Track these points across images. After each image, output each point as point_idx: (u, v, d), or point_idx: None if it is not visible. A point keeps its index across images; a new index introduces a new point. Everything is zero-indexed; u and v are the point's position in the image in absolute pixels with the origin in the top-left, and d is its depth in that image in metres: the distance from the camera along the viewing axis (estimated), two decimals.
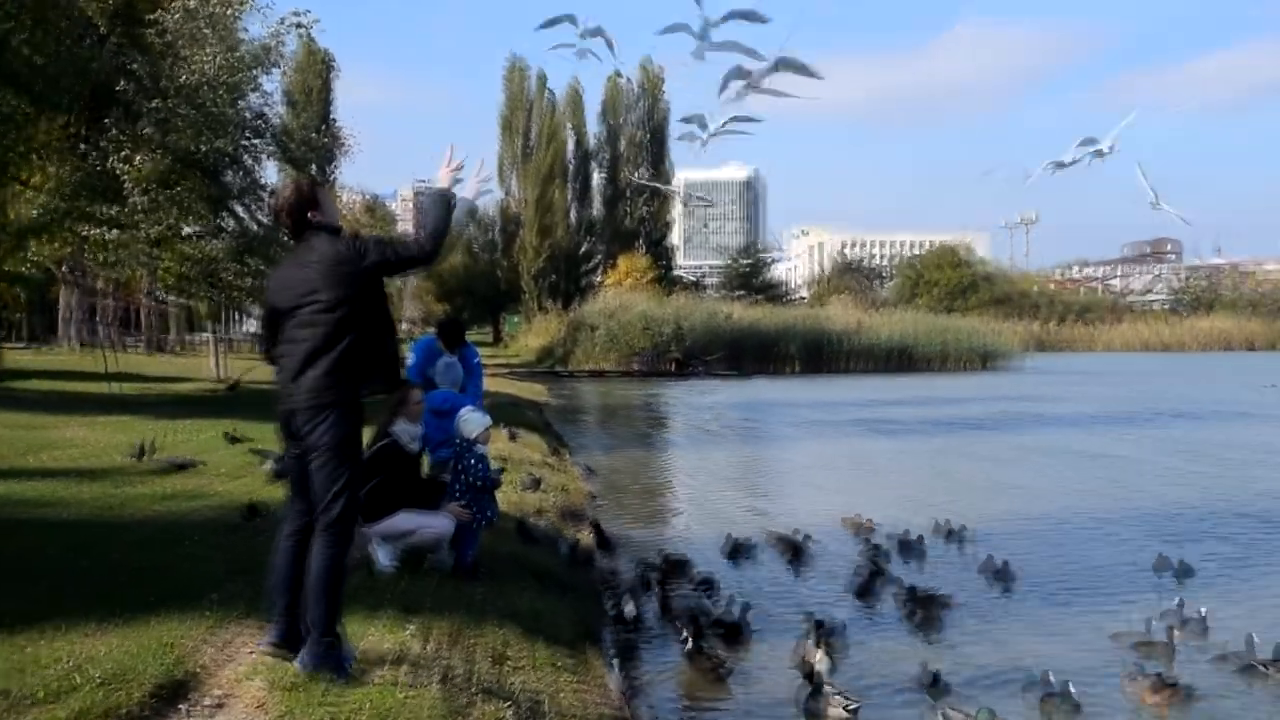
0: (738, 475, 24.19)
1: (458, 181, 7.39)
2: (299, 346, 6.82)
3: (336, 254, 6.81)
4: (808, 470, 25.02)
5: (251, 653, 7.38)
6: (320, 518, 6.81)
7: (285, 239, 7.83)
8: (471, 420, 10.51)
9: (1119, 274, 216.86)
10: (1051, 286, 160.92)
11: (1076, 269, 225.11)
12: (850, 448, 28.88)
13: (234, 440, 19.22)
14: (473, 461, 10.37)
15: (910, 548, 14.74)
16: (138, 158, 28.29)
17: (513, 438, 22.81)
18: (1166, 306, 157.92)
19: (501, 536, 12.74)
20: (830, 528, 16.42)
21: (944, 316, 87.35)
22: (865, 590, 12.40)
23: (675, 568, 13.20)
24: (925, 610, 11.43)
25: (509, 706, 7.14)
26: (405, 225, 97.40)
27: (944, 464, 25.77)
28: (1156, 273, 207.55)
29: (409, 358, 12.14)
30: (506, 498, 15.22)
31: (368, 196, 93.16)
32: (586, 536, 15.08)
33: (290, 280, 6.93)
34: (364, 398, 6.91)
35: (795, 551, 14.49)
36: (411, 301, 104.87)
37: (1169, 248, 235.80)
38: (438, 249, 6.99)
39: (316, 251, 6.88)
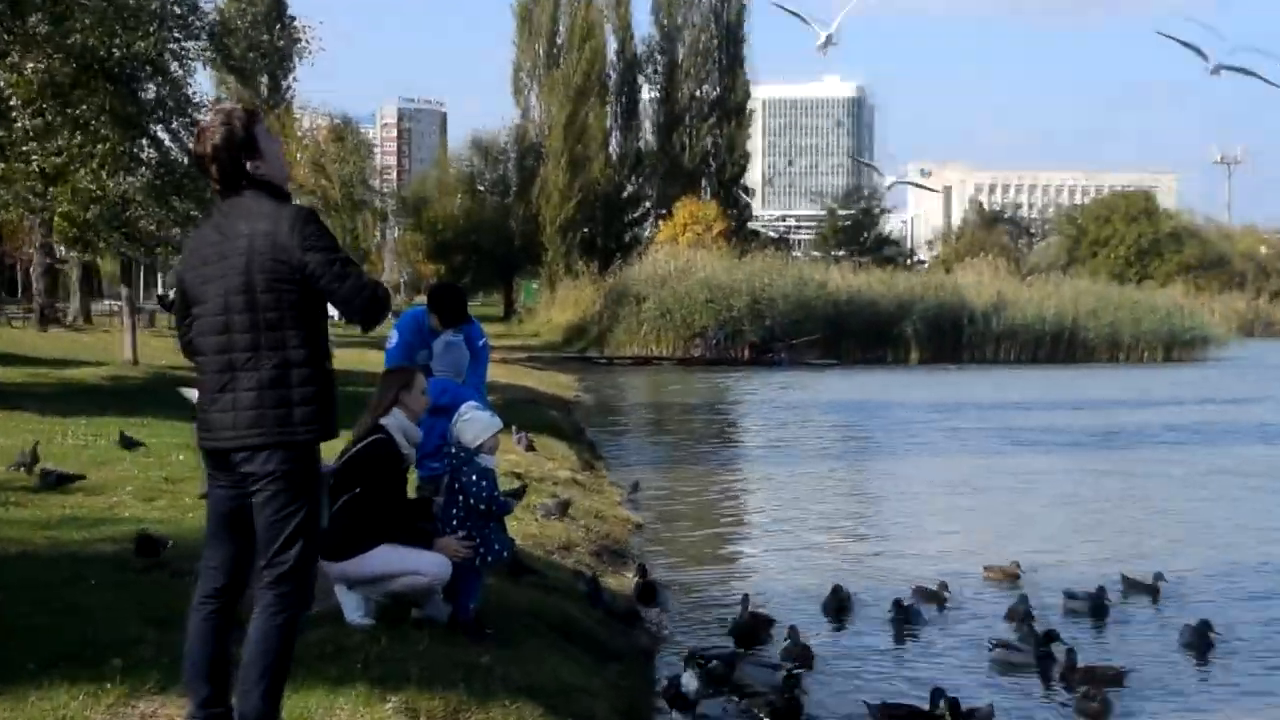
0: (836, 503, 24.13)
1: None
2: (219, 353, 6.72)
3: (274, 236, 6.65)
4: (932, 497, 24.90)
5: None
6: (265, 572, 6.72)
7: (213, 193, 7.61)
8: (476, 421, 10.33)
9: None
10: (1264, 249, 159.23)
11: None
12: (991, 467, 28.72)
13: (131, 445, 19.10)
14: (474, 478, 10.21)
15: (1094, 607, 14.58)
16: (28, 64, 28.20)
17: (530, 447, 22.75)
18: None
19: (516, 581, 12.71)
20: (963, 574, 16.30)
21: (1117, 288, 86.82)
22: (1015, 664, 12.34)
23: (755, 628, 13.12)
24: (1095, 691, 11.31)
25: None
26: (389, 159, 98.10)
27: (1117, 491, 25.61)
28: None
29: (391, 337, 12.02)
30: (523, 528, 15.20)
31: (335, 118, 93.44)
32: (626, 579, 15.04)
33: (206, 253, 6.83)
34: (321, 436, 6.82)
35: (939, 603, 14.57)
36: (393, 260, 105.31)
37: None
38: (366, 320, 6.85)
39: (249, 222, 6.73)
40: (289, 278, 6.60)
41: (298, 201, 7.45)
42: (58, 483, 15.30)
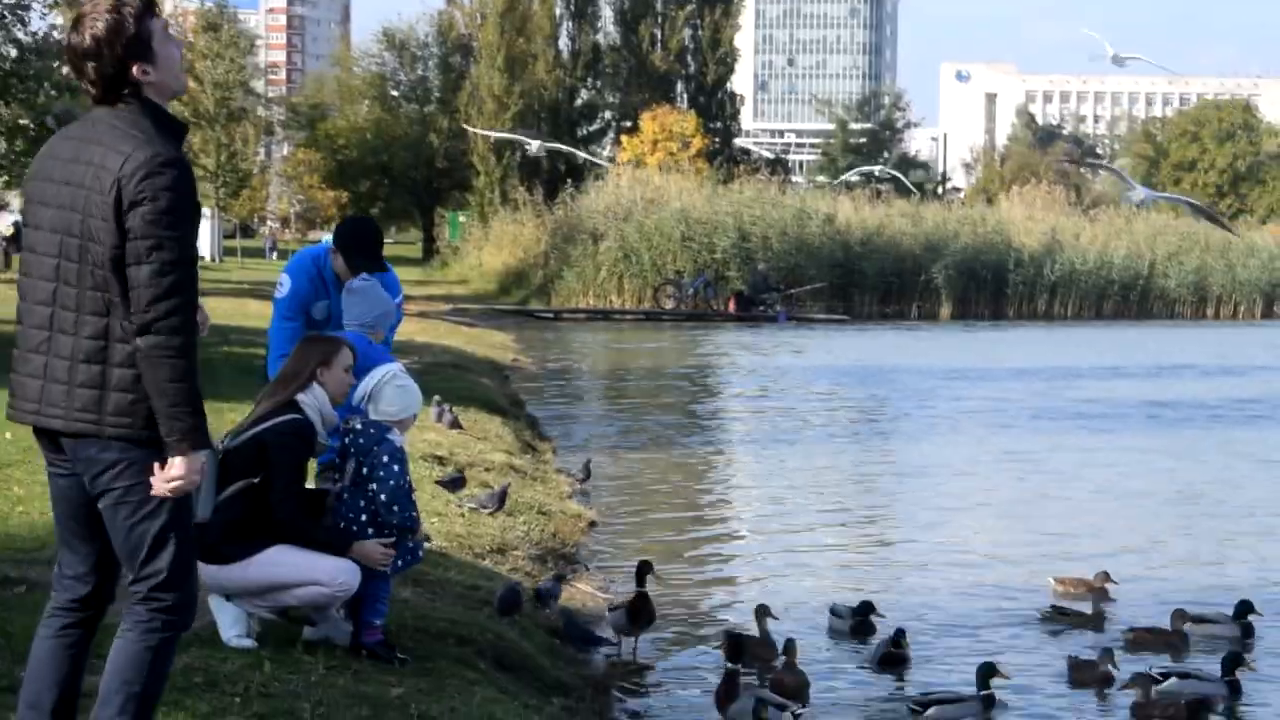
0: (841, 497, 24.18)
1: None
2: (61, 306, 6.62)
3: (119, 174, 6.50)
4: (963, 491, 25.05)
5: None
6: (135, 586, 6.73)
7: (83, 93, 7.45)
8: (408, 391, 10.37)
9: None
10: None
11: None
12: (1043, 452, 28.88)
13: None
14: (386, 460, 10.21)
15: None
16: None
17: (455, 425, 22.78)
18: None
19: (438, 591, 12.82)
20: (1026, 587, 16.48)
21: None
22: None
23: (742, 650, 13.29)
24: None
25: None
26: (276, 55, 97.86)
27: (1204, 481, 25.80)
28: None
29: (281, 284, 11.97)
30: (447, 526, 15.31)
31: (209, 3, 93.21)
32: (584, 587, 15.18)
33: (53, 173, 6.73)
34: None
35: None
36: (282, 185, 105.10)
37: None
38: (174, 331, 6.45)
39: (108, 146, 6.60)
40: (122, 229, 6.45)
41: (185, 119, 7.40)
42: None
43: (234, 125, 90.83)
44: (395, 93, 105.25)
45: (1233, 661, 12.87)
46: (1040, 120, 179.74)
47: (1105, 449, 29.43)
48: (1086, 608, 15.67)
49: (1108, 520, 21.67)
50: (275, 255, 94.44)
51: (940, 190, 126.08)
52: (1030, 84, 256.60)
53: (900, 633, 13.57)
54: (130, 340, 6.41)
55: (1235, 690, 12.62)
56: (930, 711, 11.93)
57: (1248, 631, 14.57)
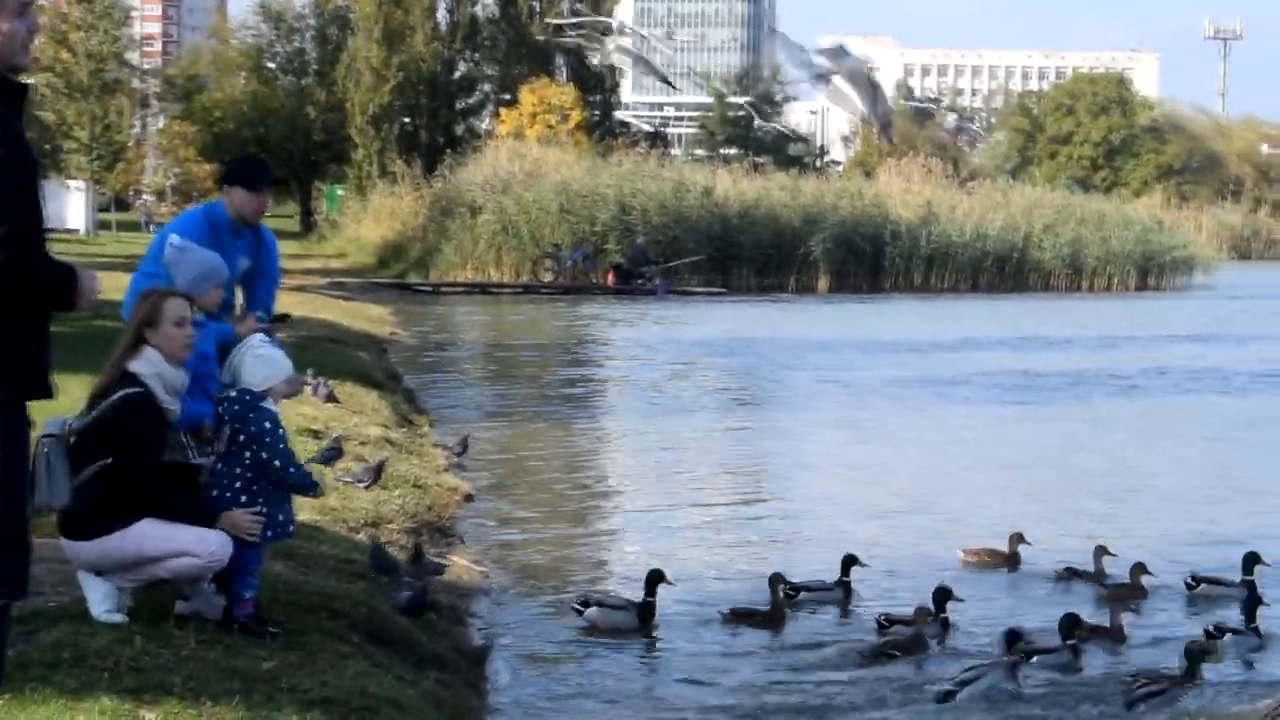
0: (719, 469, 24.33)
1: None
2: None
3: None
4: (839, 463, 25.24)
5: None
6: None
7: None
8: (269, 360, 10.32)
9: None
10: (1266, 148, 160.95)
11: None
12: (919, 425, 29.14)
13: None
14: (268, 426, 10.16)
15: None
16: None
17: (331, 398, 22.69)
18: None
19: (311, 565, 12.80)
20: (925, 560, 16.62)
21: (1081, 197, 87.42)
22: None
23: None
24: None
25: None
26: (151, 27, 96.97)
27: (1074, 452, 26.11)
28: None
29: (171, 243, 11.56)
30: (321, 499, 15.27)
31: None
32: (460, 560, 15.22)
33: None
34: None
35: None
36: (158, 158, 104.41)
37: None
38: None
39: None
40: None
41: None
42: None
43: (109, 97, 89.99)
44: (272, 65, 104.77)
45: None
46: (918, 94, 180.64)
47: (968, 418, 29.72)
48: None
49: (970, 484, 21.96)
50: (151, 228, 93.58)
51: (818, 164, 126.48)
52: (909, 57, 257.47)
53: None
54: None
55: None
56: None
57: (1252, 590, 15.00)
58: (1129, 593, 15.37)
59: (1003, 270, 75.58)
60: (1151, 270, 78.83)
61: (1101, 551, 16.31)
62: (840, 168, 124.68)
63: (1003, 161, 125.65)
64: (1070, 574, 16.28)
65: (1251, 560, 15.32)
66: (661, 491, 22.04)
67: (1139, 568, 15.60)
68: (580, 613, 13.82)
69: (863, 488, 22.63)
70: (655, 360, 40.56)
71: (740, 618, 14.28)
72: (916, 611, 13.87)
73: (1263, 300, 70.54)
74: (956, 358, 40.82)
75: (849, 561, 15.30)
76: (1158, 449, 26.53)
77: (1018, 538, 16.87)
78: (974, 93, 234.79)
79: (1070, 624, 13.25)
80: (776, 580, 14.41)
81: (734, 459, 25.60)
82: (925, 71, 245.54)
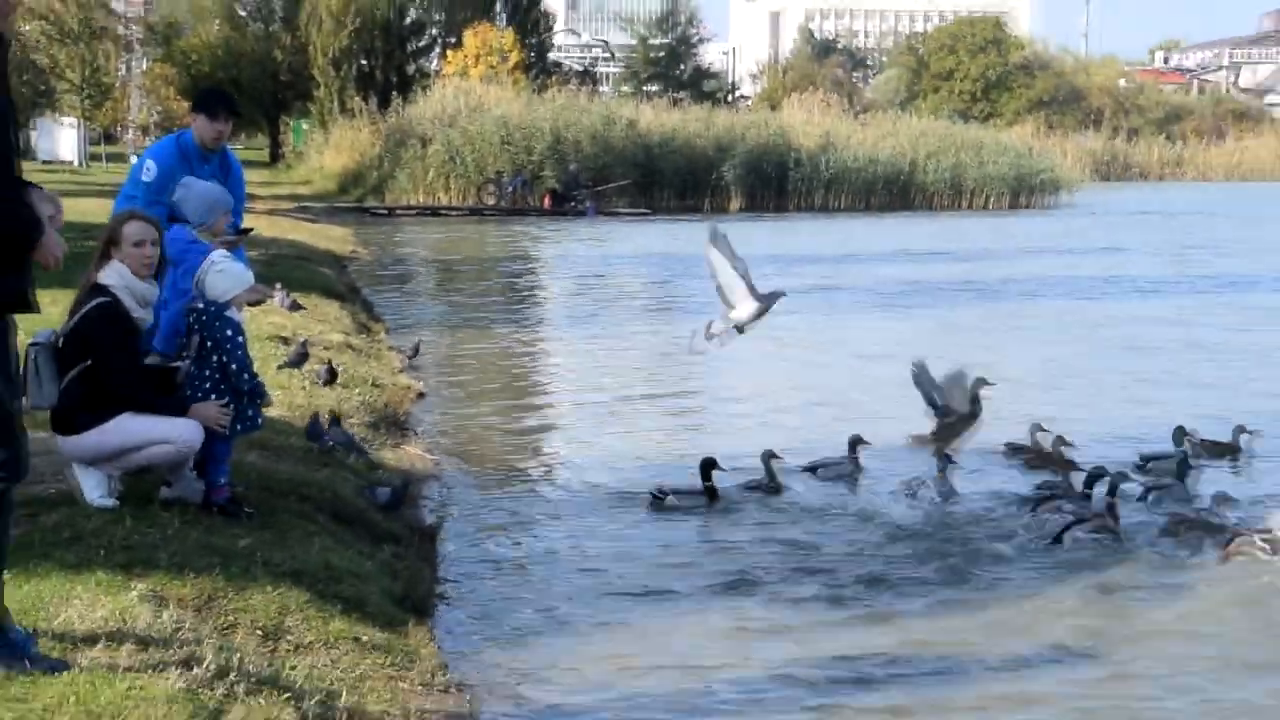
0: (645, 371, 24.28)
1: None
2: None
3: None
4: (748, 361, 25.26)
5: None
6: None
7: None
8: (228, 274, 10.32)
9: (1226, 63, 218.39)
10: (1123, 83, 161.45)
11: (1163, 56, 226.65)
12: (816, 325, 29.13)
13: None
14: (230, 333, 10.20)
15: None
16: None
17: (295, 307, 22.57)
18: None
19: (281, 454, 12.82)
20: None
21: (961, 126, 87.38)
22: None
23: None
24: None
25: (287, 700, 7.23)
26: (133, 8, 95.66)
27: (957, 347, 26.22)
28: None
29: (148, 169, 11.58)
30: (290, 397, 15.27)
31: None
32: (412, 449, 15.27)
33: None
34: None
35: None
36: (142, 98, 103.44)
37: None
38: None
39: None
40: None
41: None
42: None
43: (96, 43, 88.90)
44: (243, 13, 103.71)
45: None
46: (818, 35, 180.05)
47: (861, 320, 29.87)
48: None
49: (876, 380, 22.01)
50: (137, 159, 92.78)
51: (730, 98, 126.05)
52: (809, 3, 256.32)
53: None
54: None
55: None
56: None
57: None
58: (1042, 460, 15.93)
59: (892, 192, 75.46)
60: (1023, 191, 78.87)
61: (1036, 428, 16.54)
62: (749, 102, 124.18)
63: (893, 96, 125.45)
64: (1012, 450, 16.45)
65: (1181, 432, 15.96)
66: (589, 386, 22.13)
67: (1059, 440, 16.04)
68: (660, 499, 14.11)
69: (766, 381, 22.76)
70: (586, 273, 40.53)
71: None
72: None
73: (1117, 216, 70.84)
74: (851, 268, 40.91)
75: (855, 441, 15.51)
76: (1026, 344, 26.63)
77: None
78: (867, 35, 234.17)
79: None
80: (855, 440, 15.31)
81: (653, 359, 25.60)
82: (824, 15, 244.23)
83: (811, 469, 15.23)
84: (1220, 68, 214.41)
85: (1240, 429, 16.35)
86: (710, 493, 14.18)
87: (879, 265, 41.80)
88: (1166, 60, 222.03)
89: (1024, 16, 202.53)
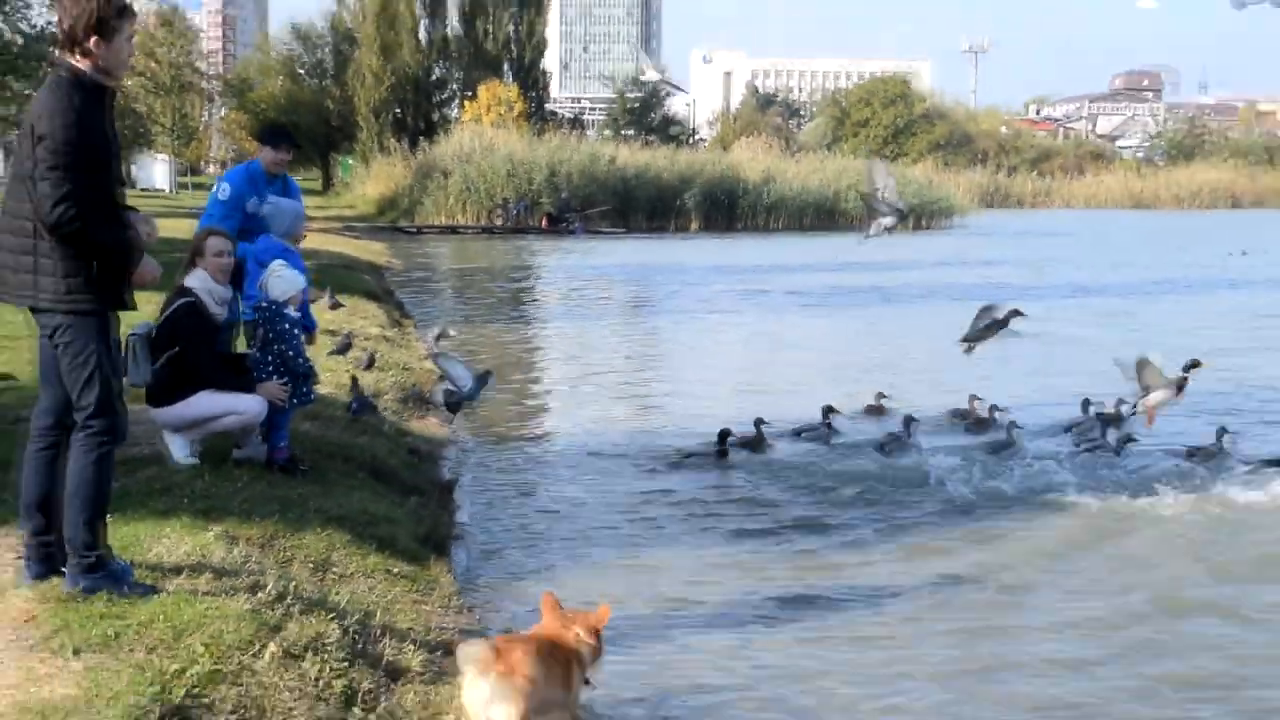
0: (623, 358, 24.23)
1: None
2: (16, 215, 6.71)
3: (39, 118, 6.56)
4: (713, 347, 25.27)
5: (17, 557, 7.39)
6: (75, 413, 6.81)
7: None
8: (285, 279, 10.40)
9: (1085, 114, 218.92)
10: (1004, 130, 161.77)
11: (1035, 109, 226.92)
12: (762, 326, 29.15)
13: None
14: (288, 327, 10.32)
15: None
16: None
17: (336, 306, 22.52)
18: (1140, 155, 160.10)
19: (329, 424, 12.82)
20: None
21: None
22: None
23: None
24: None
25: (332, 619, 7.25)
26: (213, 44, 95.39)
27: (871, 339, 26.21)
28: (1130, 114, 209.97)
29: (222, 189, 11.60)
30: (336, 378, 15.26)
31: (164, 5, 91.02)
32: (430, 424, 15.25)
33: (27, 120, 6.72)
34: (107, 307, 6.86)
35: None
36: (220, 138, 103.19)
37: (1145, 83, 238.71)
38: (63, 230, 6.52)
39: (41, 100, 6.67)
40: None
41: (129, 84, 7.44)
42: None
43: (184, 94, 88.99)
44: (301, 71, 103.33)
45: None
46: (761, 91, 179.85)
47: (789, 317, 29.85)
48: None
49: (800, 362, 22.01)
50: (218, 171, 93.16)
51: (690, 140, 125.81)
52: (755, 65, 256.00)
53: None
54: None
55: None
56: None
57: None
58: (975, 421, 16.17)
59: (820, 215, 75.43)
60: (924, 215, 78.90)
61: (973, 398, 16.56)
62: (706, 143, 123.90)
63: (821, 139, 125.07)
64: (955, 414, 16.55)
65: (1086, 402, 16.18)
66: (579, 367, 22.13)
67: (972, 398, 16.50)
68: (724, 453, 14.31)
69: (716, 363, 22.78)
70: (575, 279, 40.51)
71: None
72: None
73: (997, 236, 70.97)
74: (785, 276, 40.87)
75: (827, 410, 15.47)
76: (922, 336, 26.62)
77: (880, 394, 17.19)
78: (800, 90, 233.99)
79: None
80: (759, 422, 14.83)
81: (629, 346, 25.62)
82: (767, 75, 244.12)
83: (796, 433, 15.15)
84: (1081, 118, 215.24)
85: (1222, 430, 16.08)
86: (722, 454, 14.23)
87: (807, 274, 41.74)
88: (1038, 111, 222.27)
89: (925, 76, 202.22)
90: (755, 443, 14.46)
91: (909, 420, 14.93)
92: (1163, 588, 10.18)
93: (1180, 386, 13.52)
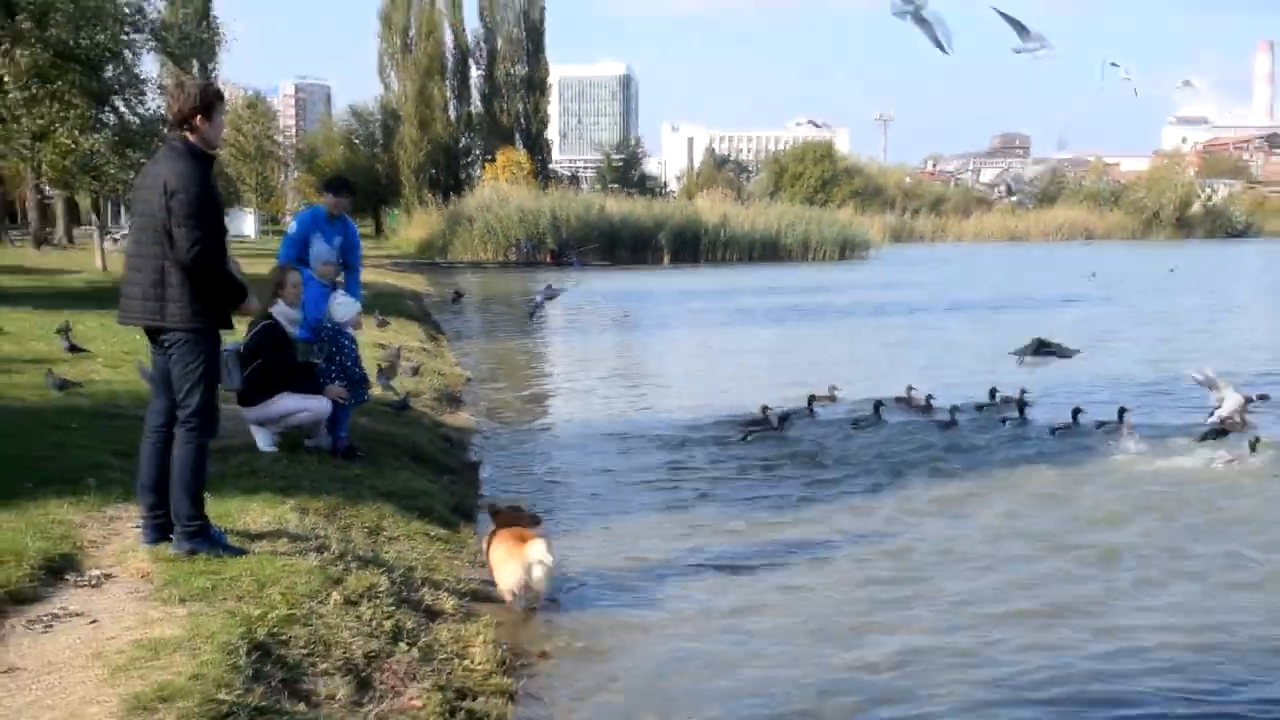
0: (618, 363, 24.23)
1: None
2: (145, 255, 6.81)
3: (168, 178, 6.68)
4: (690, 355, 25.26)
5: (136, 526, 7.38)
6: (180, 411, 6.86)
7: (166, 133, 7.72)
8: (347, 305, 10.53)
9: (970, 168, 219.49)
10: (908, 180, 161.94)
11: (931, 164, 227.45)
12: (726, 335, 29.18)
13: (66, 333, 16.34)
14: (346, 343, 10.44)
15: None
16: (16, 52, 27.50)
17: (383, 325, 22.51)
18: (1014, 199, 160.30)
19: (380, 417, 12.80)
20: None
21: (808, 208, 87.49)
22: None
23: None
24: None
25: (382, 573, 7.29)
26: (288, 121, 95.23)
27: (813, 344, 26.22)
28: (1005, 166, 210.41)
29: (292, 227, 11.41)
30: (383, 382, 15.21)
31: (249, 92, 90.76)
32: (462, 417, 15.23)
33: (143, 183, 6.89)
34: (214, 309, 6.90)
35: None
36: (293, 195, 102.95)
37: (1017, 143, 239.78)
38: (196, 266, 6.67)
39: (167, 165, 6.77)
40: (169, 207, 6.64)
41: (221, 153, 7.59)
42: (72, 350, 15.38)
43: (265, 161, 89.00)
44: (356, 141, 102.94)
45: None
46: (718, 153, 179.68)
47: (760, 331, 29.86)
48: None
49: (752, 366, 22.02)
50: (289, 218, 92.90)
51: (662, 192, 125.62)
52: (713, 133, 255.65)
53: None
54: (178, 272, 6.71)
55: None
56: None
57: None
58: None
59: (765, 250, 75.46)
60: (846, 248, 79.00)
61: (909, 389, 16.64)
62: (674, 195, 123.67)
63: (765, 190, 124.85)
64: (898, 401, 16.45)
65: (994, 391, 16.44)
66: (578, 370, 22.06)
67: (909, 389, 16.69)
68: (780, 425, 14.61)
69: (688, 368, 22.71)
70: (576, 301, 40.52)
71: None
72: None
73: (904, 264, 71.02)
74: (738, 299, 40.91)
75: (811, 399, 15.87)
76: (847, 341, 26.65)
77: (832, 388, 17.24)
78: (748, 152, 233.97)
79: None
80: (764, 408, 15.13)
81: (620, 355, 25.61)
82: (723, 140, 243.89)
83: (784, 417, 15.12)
84: (967, 170, 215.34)
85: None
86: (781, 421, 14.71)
87: (755, 296, 41.78)
88: (934, 166, 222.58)
89: (845, 140, 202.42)
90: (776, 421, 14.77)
91: (878, 406, 15.41)
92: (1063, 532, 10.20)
93: (1247, 400, 13.72)
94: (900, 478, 12.34)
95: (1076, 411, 14.79)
